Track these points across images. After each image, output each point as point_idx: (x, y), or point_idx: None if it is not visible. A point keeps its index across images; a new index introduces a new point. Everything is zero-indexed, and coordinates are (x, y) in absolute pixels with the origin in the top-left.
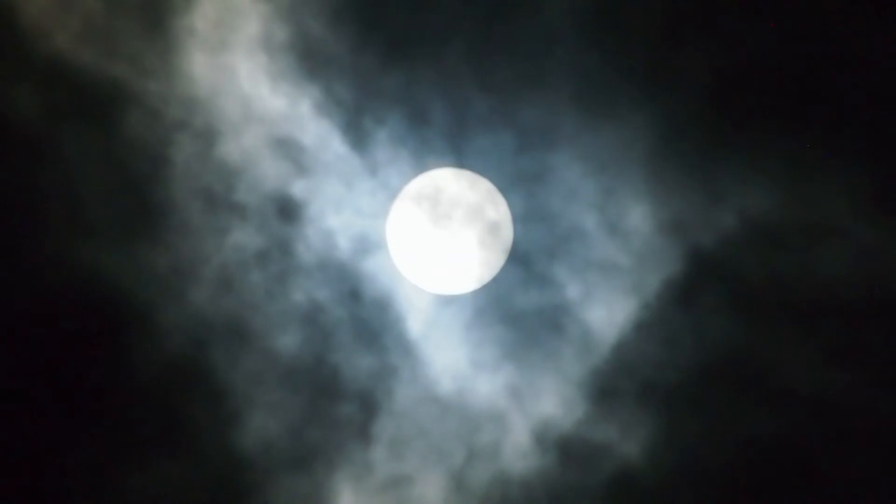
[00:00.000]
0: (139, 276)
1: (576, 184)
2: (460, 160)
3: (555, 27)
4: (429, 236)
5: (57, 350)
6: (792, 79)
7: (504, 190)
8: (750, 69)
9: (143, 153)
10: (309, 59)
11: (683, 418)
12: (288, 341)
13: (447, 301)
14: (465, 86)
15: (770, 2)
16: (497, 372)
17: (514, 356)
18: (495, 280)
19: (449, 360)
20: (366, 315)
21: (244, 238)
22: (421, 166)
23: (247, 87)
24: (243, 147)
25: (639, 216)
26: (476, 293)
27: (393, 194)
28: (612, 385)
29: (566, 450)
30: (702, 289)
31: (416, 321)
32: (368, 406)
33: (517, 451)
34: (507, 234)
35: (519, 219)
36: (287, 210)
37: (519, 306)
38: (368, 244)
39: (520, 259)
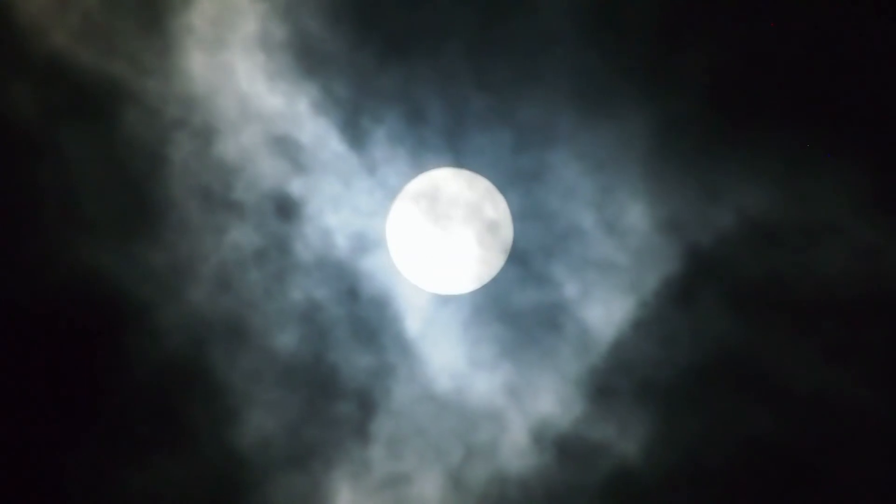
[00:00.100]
0: (137, 274)
1: (574, 182)
2: (458, 159)
3: (553, 26)
4: (427, 235)
5: (54, 348)
6: (790, 77)
7: (502, 189)
8: (748, 68)
9: (142, 151)
10: (307, 58)
11: (681, 417)
12: (286, 340)
13: (445, 300)
14: (463, 84)
15: (768, 1)
16: (495, 371)
17: (512, 355)
18: (493, 279)
19: (447, 358)
20: (364, 314)
21: (242, 236)
22: (419, 165)
23: (245, 85)
24: (241, 145)
25: (637, 215)
26: (475, 293)
27: (391, 193)
28: (609, 384)
29: (564, 448)
30: (700, 287)
31: (414, 320)
32: (366, 405)
33: (515, 450)
34: (507, 234)
35: (517, 217)
36: (285, 209)
37: (517, 305)
38: (366, 243)
39: (518, 258)
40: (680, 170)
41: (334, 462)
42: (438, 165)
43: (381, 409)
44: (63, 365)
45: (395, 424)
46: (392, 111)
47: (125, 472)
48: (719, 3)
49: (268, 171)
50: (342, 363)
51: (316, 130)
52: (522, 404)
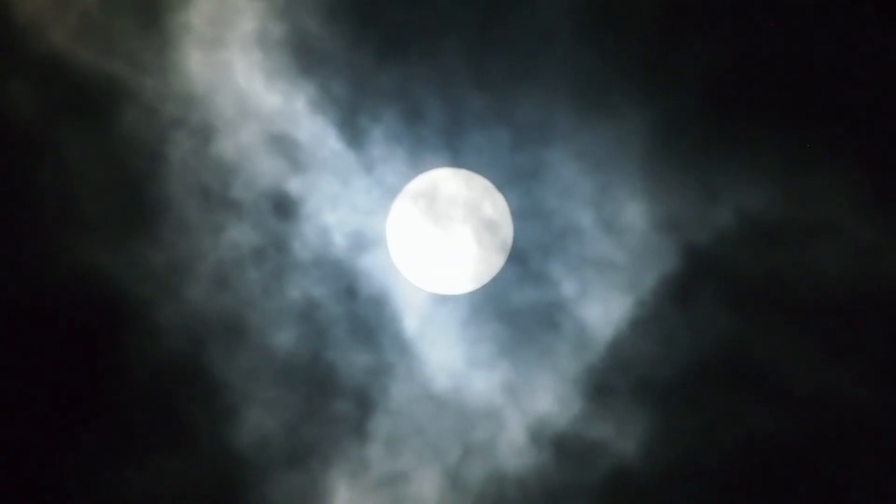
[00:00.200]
0: (135, 272)
1: (572, 181)
2: (456, 157)
3: (551, 24)
4: (427, 235)
5: (52, 347)
6: (788, 76)
7: (501, 188)
8: (746, 67)
9: (140, 150)
10: (305, 57)
11: (679, 416)
12: (284, 338)
13: (443, 299)
14: (462, 83)
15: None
16: (493, 369)
17: (510, 354)
18: (491, 278)
19: (445, 357)
20: (362, 312)
21: (240, 235)
22: (417, 164)
23: (243, 84)
24: (239, 144)
25: (635, 213)
26: (473, 293)
27: (389, 191)
28: (607, 383)
29: (562, 447)
30: (698, 286)
31: (412, 318)
32: (364, 403)
33: (513, 449)
34: (507, 234)
35: (515, 216)
36: (283, 207)
37: (515, 303)
38: (364, 241)
39: (516, 256)
40: (678, 169)
41: (332, 461)
42: (436, 164)
43: (379, 407)
44: (61, 364)
45: (394, 423)
46: (390, 110)
47: (124, 471)
48: (717, 3)
49: (266, 169)
50: (340, 362)
51: (314, 129)
52: (520, 403)
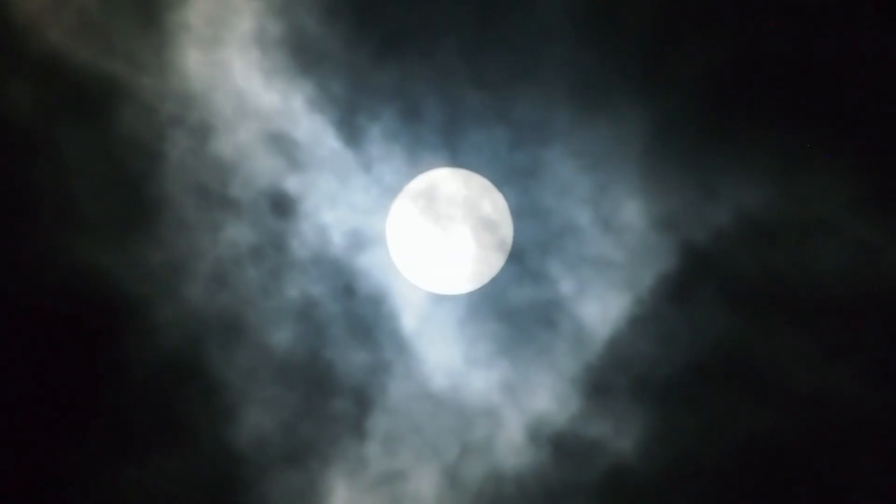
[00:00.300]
0: (133, 271)
1: (570, 179)
2: (454, 156)
3: (549, 23)
4: (425, 233)
5: (50, 346)
6: (787, 74)
7: (499, 187)
8: (744, 65)
9: (138, 149)
10: (303, 55)
11: (677, 415)
12: (282, 337)
13: (441, 297)
14: (460, 82)
15: None
16: (491, 368)
17: (508, 352)
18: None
19: (443, 356)
20: (360, 311)
21: (239, 234)
22: (415, 162)
23: (241, 82)
24: (237, 143)
25: (633, 212)
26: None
27: (387, 190)
28: (605, 381)
29: (560, 446)
30: (696, 285)
31: (410, 317)
32: (363, 402)
33: (511, 447)
34: (506, 234)
35: (513, 215)
36: (281, 206)
37: (513, 302)
38: (363, 240)
39: (514, 255)
40: (676, 167)
41: (331, 459)
42: (434, 162)
43: (377, 406)
44: (59, 362)
45: (392, 422)
46: (388, 108)
47: (122, 470)
48: (715, 1)
49: (264, 168)
50: (338, 361)
51: (312, 128)
52: (518, 401)
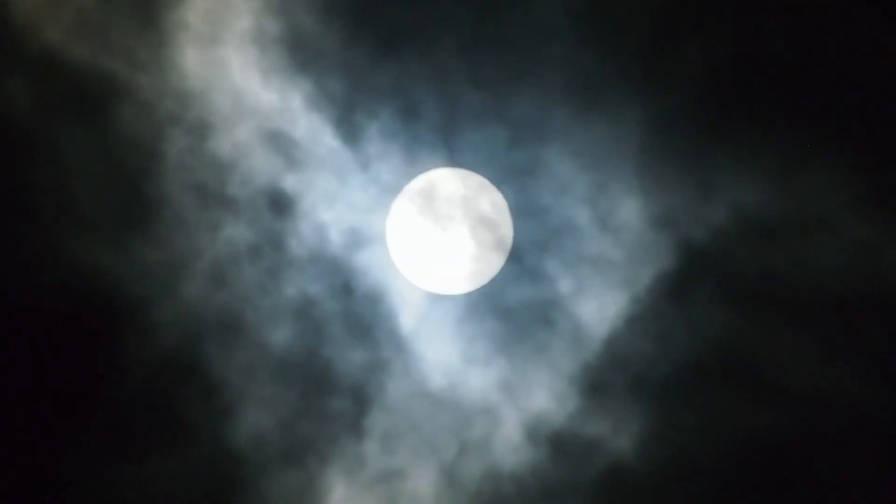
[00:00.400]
0: (132, 270)
1: (568, 178)
2: (452, 155)
3: (547, 22)
4: (424, 233)
5: (48, 345)
6: (785, 73)
7: (498, 186)
8: (742, 64)
9: (136, 147)
10: (300, 54)
11: (675, 413)
12: (280, 336)
13: (440, 296)
14: (457, 80)
15: None
16: (489, 366)
17: (506, 351)
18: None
19: (441, 354)
20: (358, 309)
21: (236, 232)
22: (413, 161)
23: (239, 81)
24: (235, 141)
25: (631, 211)
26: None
27: (385, 189)
28: (603, 380)
29: (557, 444)
30: (694, 284)
31: (409, 316)
32: (360, 400)
33: (509, 446)
34: (506, 235)
35: (512, 214)
36: (279, 204)
37: (511, 301)
38: (361, 238)
39: (512, 254)
40: (674, 166)
41: (329, 458)
42: (432, 161)
43: (375, 405)
44: (57, 361)
45: (390, 420)
46: (386, 107)
47: (121, 468)
48: (714, 0)
49: (262, 166)
50: (337, 359)
51: (310, 126)
52: (516, 400)
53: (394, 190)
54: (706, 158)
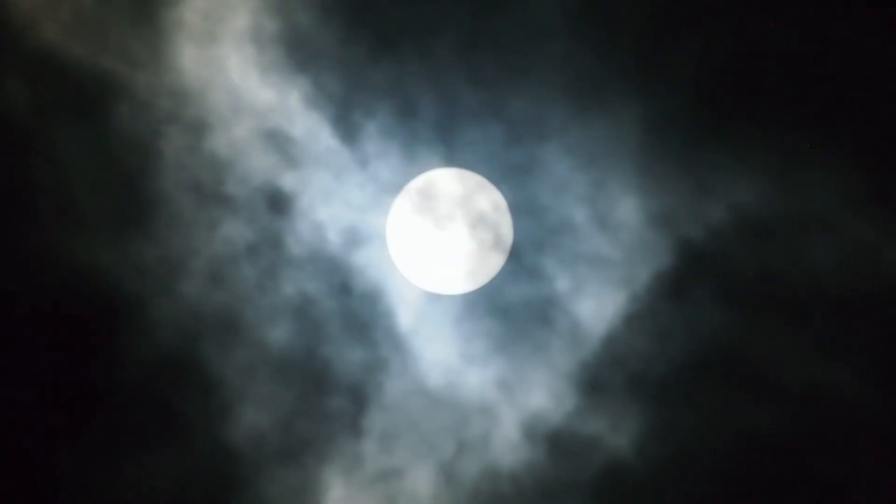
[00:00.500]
0: (129, 269)
1: (566, 177)
2: (450, 154)
3: (544, 20)
4: (422, 232)
5: (45, 343)
6: (782, 72)
7: (496, 185)
8: (741, 62)
9: (133, 146)
10: (298, 52)
11: (673, 412)
12: (278, 334)
13: (438, 295)
14: (455, 79)
15: None
16: (487, 365)
17: (504, 349)
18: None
19: (439, 353)
20: (356, 308)
21: (234, 231)
22: (411, 160)
23: (236, 79)
24: (233, 139)
25: (629, 209)
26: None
27: (383, 187)
28: (601, 378)
29: (555, 443)
30: (692, 282)
31: (407, 314)
32: (359, 399)
33: (507, 445)
34: (505, 235)
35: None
36: (277, 203)
37: (509, 299)
38: (359, 237)
39: (510, 253)
40: (672, 164)
41: (327, 456)
42: (430, 159)
43: (373, 403)
44: (55, 360)
45: (388, 419)
46: (384, 106)
47: (118, 467)
48: None
49: (260, 165)
50: (335, 358)
51: (308, 125)
52: (514, 399)
53: (392, 189)
54: (704, 157)
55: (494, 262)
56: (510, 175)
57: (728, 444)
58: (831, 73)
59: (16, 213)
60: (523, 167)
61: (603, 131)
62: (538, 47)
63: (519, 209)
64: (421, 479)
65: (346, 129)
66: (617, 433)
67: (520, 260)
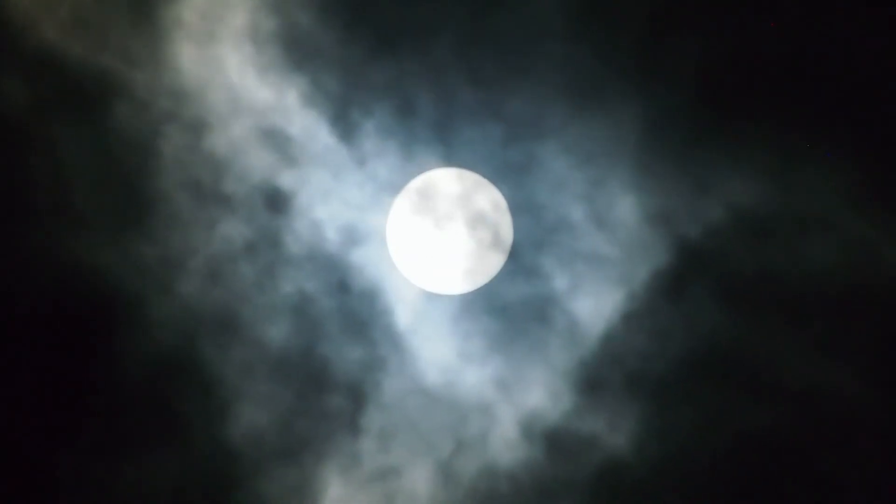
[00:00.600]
0: (128, 268)
1: (564, 175)
2: (448, 153)
3: (543, 19)
4: (420, 230)
5: (44, 342)
6: (780, 71)
7: (494, 183)
8: (739, 61)
9: (132, 145)
10: (296, 51)
11: (671, 410)
12: (276, 333)
13: (436, 295)
14: (454, 78)
15: None
16: (484, 364)
17: (502, 348)
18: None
19: (437, 352)
20: (355, 307)
21: (233, 230)
22: (409, 158)
23: (235, 78)
24: (231, 138)
25: (627, 208)
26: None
27: (381, 186)
28: (599, 377)
29: (553, 442)
30: (690, 281)
31: (405, 313)
32: (357, 398)
33: (505, 443)
34: (505, 234)
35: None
36: (275, 201)
37: (506, 298)
38: (357, 236)
39: (509, 252)
40: (670, 163)
41: (325, 455)
42: (428, 158)
43: (371, 402)
44: (53, 359)
45: (386, 418)
46: (382, 105)
47: (116, 466)
48: None
49: (258, 164)
50: (333, 356)
51: (306, 123)
52: (512, 397)
53: (390, 187)
54: (703, 155)
55: (494, 262)
56: (509, 174)
57: (726, 443)
58: (831, 73)
59: (15, 212)
60: (522, 166)
61: (602, 130)
62: (537, 47)
63: (516, 208)
64: (419, 477)
65: (345, 128)
66: (615, 432)
67: (517, 258)
